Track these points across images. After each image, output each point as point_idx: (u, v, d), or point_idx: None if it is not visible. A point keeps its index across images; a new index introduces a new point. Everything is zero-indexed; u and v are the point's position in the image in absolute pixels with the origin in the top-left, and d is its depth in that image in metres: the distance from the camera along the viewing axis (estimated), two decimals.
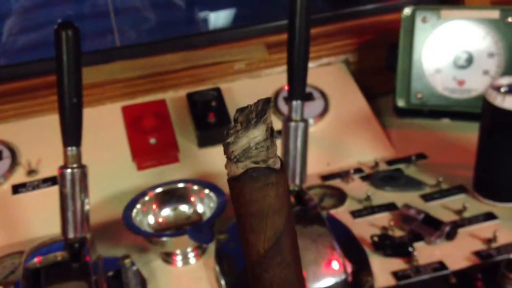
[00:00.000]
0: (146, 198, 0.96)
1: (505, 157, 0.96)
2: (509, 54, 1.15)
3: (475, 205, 0.99)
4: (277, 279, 0.42)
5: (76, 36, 0.78)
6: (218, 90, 1.19)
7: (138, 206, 0.95)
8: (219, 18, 1.75)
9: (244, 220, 0.41)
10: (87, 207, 0.82)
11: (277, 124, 1.14)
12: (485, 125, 0.97)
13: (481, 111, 0.97)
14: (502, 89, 0.93)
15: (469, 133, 1.08)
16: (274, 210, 0.40)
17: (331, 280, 0.83)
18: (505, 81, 0.95)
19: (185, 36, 1.34)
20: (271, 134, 0.39)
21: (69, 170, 0.80)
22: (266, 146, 0.39)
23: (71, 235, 0.81)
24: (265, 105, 0.39)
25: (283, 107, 1.18)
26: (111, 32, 1.53)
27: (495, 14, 1.15)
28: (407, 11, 1.19)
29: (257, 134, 0.39)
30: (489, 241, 0.91)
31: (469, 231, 0.94)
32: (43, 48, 1.44)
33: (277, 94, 1.21)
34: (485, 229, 0.94)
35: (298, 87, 0.91)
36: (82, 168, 0.81)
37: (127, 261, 0.86)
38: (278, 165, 0.40)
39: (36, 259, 0.80)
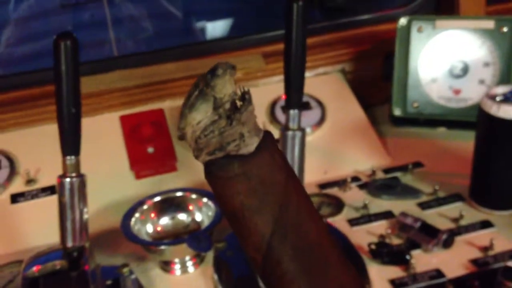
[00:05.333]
0: (145, 207, 0.96)
1: (501, 165, 0.97)
2: (505, 63, 1.16)
3: (472, 213, 0.99)
4: None
5: (74, 46, 0.79)
6: None
7: (137, 215, 0.95)
8: (216, 29, 1.76)
9: (229, 223, 0.31)
10: (85, 216, 0.83)
11: (275, 134, 1.15)
12: (481, 134, 0.98)
13: (476, 120, 0.98)
14: (498, 98, 0.94)
15: (465, 142, 1.09)
16: (252, 209, 0.29)
17: None
18: (500, 90, 0.96)
19: (182, 46, 1.34)
20: (229, 109, 0.28)
21: (68, 179, 0.80)
22: (218, 129, 0.29)
23: (69, 244, 0.81)
24: (207, 78, 0.28)
25: (280, 116, 1.18)
26: (109, 42, 1.53)
27: (490, 24, 1.16)
28: (402, 21, 1.20)
29: (198, 117, 0.29)
30: (485, 249, 0.92)
31: (465, 239, 0.94)
32: (41, 58, 1.45)
33: (274, 103, 1.22)
34: (481, 237, 0.94)
35: (295, 96, 0.92)
36: (81, 177, 0.82)
37: (125, 269, 0.86)
38: (247, 148, 0.29)
39: (35, 268, 0.80)
